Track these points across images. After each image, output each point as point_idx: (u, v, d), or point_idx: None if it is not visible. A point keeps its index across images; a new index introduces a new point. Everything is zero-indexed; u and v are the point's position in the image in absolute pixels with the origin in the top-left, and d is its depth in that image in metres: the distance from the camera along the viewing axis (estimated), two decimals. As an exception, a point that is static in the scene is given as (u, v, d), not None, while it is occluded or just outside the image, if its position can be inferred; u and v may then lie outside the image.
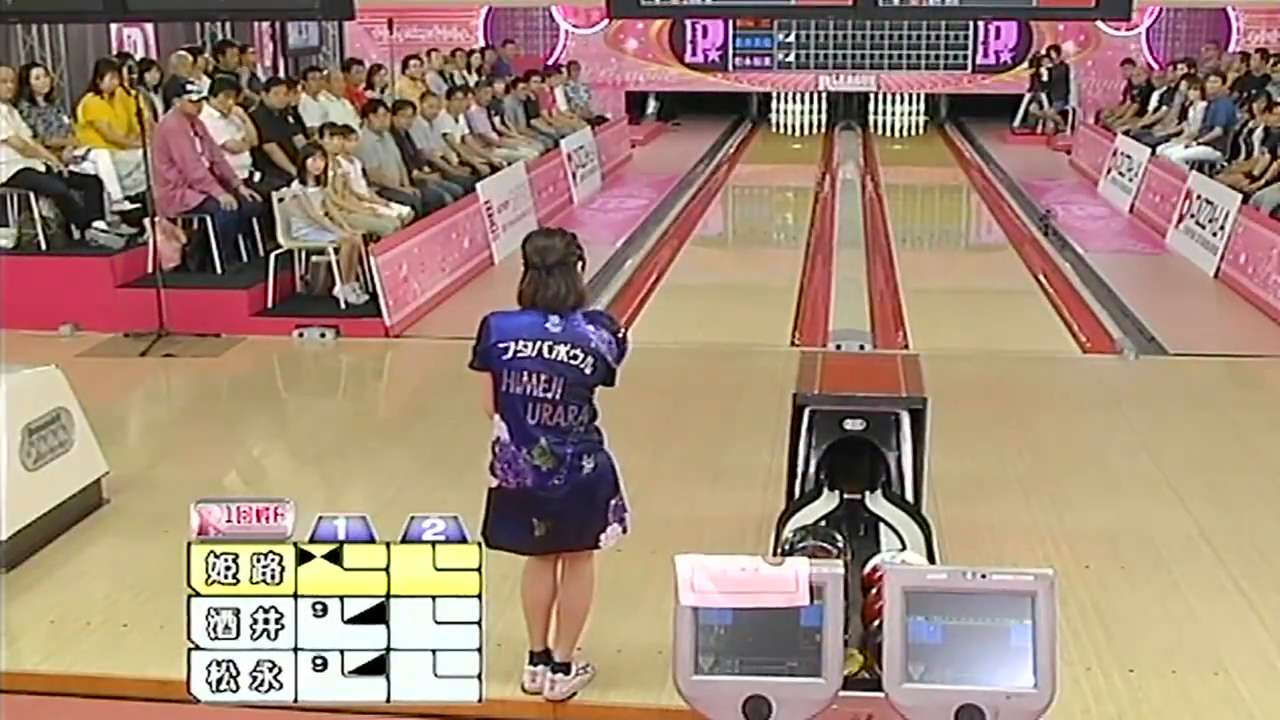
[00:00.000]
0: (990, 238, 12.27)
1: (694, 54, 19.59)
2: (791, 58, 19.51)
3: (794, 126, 19.76)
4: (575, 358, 3.57)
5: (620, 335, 3.67)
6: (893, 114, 19.73)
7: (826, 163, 16.18)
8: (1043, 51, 18.34)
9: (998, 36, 19.25)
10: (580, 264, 3.68)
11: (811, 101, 19.85)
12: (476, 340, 3.71)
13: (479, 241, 10.10)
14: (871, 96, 19.79)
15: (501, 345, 3.63)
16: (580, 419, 3.63)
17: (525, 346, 3.60)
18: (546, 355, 3.58)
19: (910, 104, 19.70)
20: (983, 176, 15.28)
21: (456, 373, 7.34)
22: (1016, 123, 18.14)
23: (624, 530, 3.77)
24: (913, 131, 19.50)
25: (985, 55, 19.36)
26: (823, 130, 19.33)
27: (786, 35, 19.40)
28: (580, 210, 13.06)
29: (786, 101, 19.89)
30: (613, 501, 3.73)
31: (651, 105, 19.96)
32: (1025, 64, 18.75)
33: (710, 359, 7.58)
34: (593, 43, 19.35)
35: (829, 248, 10.83)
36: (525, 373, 3.59)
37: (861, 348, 7.69)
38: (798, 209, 13.68)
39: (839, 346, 7.69)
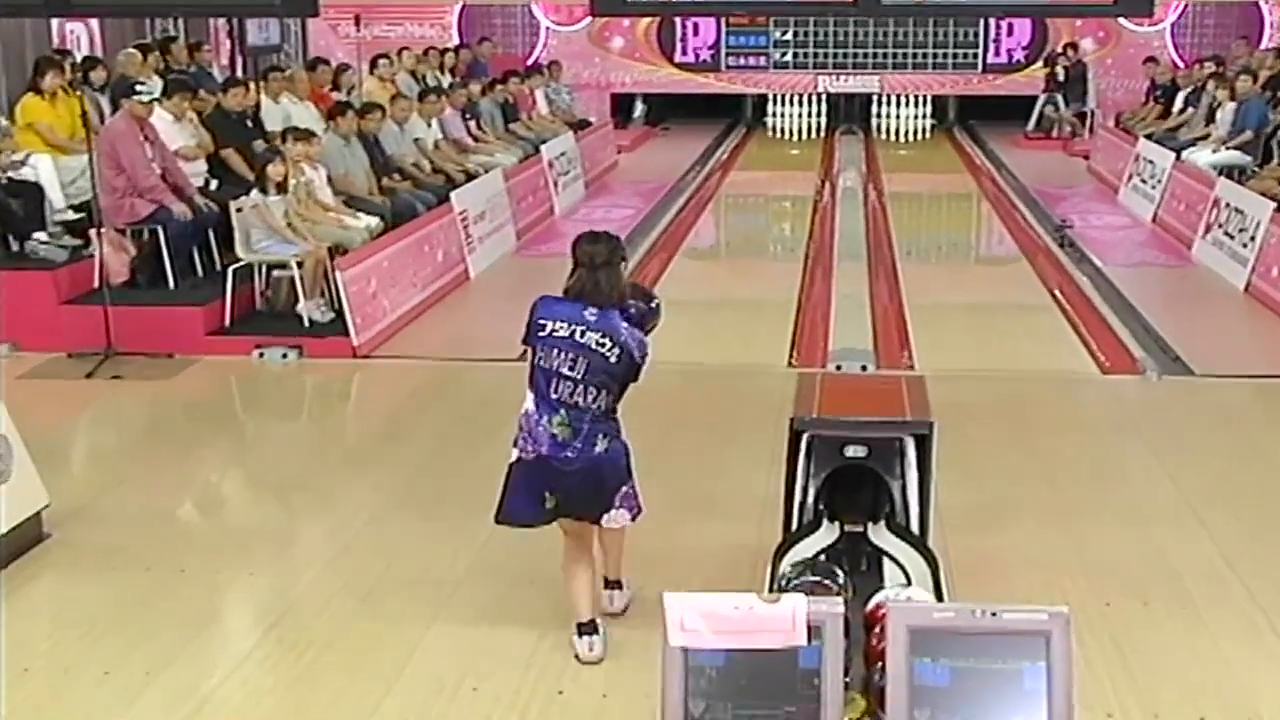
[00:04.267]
0: (1002, 250, 12.35)
1: (684, 53, 19.73)
2: (789, 57, 19.67)
3: (791, 131, 19.89)
4: (603, 345, 4.18)
5: (650, 315, 4.34)
6: (897, 117, 19.87)
7: (826, 170, 16.27)
8: (1058, 49, 18.45)
9: (1010, 34, 19.38)
10: (623, 263, 4.33)
11: (810, 104, 19.98)
12: (528, 318, 4.32)
13: (453, 255, 10.13)
14: (875, 98, 19.91)
15: (541, 323, 4.25)
16: (598, 402, 4.21)
17: (561, 327, 4.21)
18: (578, 339, 4.19)
19: (916, 106, 19.85)
20: (994, 184, 15.39)
21: (430, 396, 7.51)
22: (1030, 126, 18.25)
23: (631, 519, 4.38)
24: (919, 136, 19.63)
25: (997, 54, 19.50)
26: (822, 135, 19.45)
27: (784, 33, 19.55)
28: (562, 221, 13.11)
29: (783, 104, 20.03)
30: (624, 488, 4.32)
31: (639, 108, 20.07)
32: (1040, 63, 18.86)
33: (702, 380, 7.60)
34: (575, 41, 19.46)
35: (829, 261, 10.88)
36: (556, 350, 4.20)
37: (863, 368, 7.74)
38: (795, 219, 13.73)
39: (839, 367, 7.74)
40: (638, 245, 11.54)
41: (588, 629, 4.38)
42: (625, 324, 4.24)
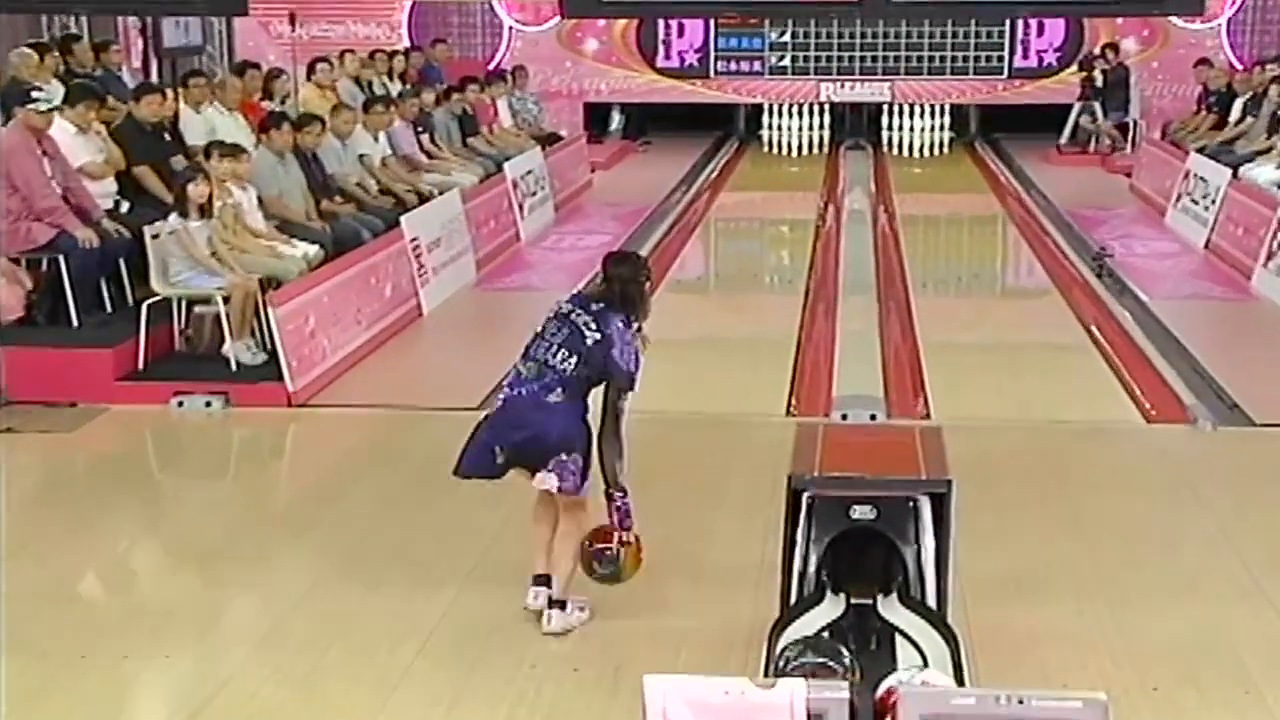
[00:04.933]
0: (1031, 281, 12.51)
1: (667, 57, 19.94)
2: (787, 61, 19.89)
3: (790, 145, 20.07)
4: (588, 328, 5.10)
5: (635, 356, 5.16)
6: (911, 129, 20.05)
7: (830, 190, 16.43)
8: (1096, 51, 18.63)
9: (1040, 34, 19.63)
10: (648, 282, 5.35)
11: (811, 115, 20.16)
12: None
13: (404, 288, 10.19)
14: (885, 109, 20.10)
15: (557, 303, 5.25)
16: (565, 364, 5.08)
17: (564, 306, 5.22)
18: (571, 317, 5.15)
19: (933, 117, 20.06)
20: (1022, 206, 15.54)
21: (377, 450, 7.53)
22: (1064, 139, 18.45)
23: (558, 488, 5.09)
24: (936, 151, 19.82)
25: (1025, 56, 19.74)
26: (825, 150, 19.61)
27: (781, 34, 19.77)
28: (529, 249, 13.21)
29: (781, 115, 20.24)
30: (563, 455, 5.07)
31: (616, 120, 20.24)
32: (1074, 67, 19.06)
33: (688, 431, 7.60)
34: (543, 43, 19.65)
35: (833, 294, 11.00)
36: (552, 319, 5.20)
37: (873, 417, 7.77)
38: (795, 247, 13.84)
39: (845, 416, 7.79)
40: None
41: (538, 580, 5.27)
42: (627, 331, 5.13)
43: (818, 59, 19.78)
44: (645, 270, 5.40)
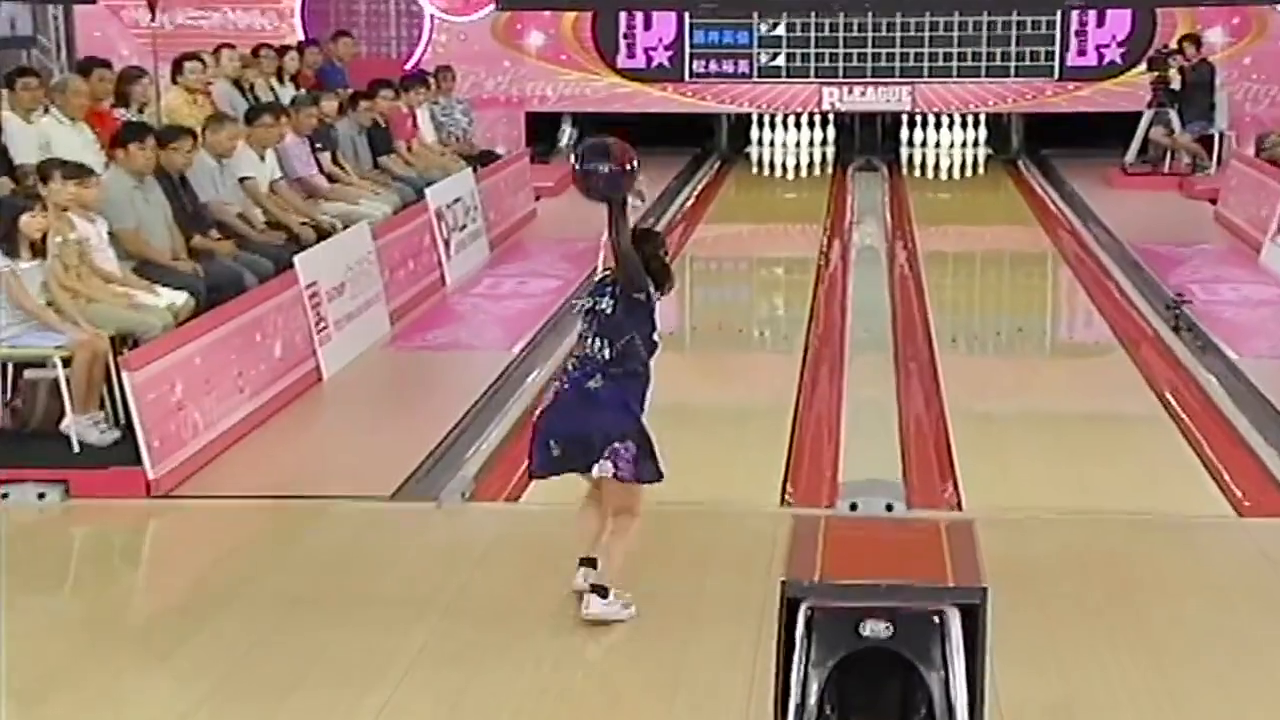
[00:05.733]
0: (1090, 336, 12.62)
1: (630, 56, 20.19)
2: (780, 61, 20.13)
3: (785, 165, 20.25)
4: (608, 307, 6.36)
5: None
6: (937, 145, 20.27)
7: (835, 221, 16.63)
8: (1172, 45, 18.79)
9: (1101, 24, 19.95)
10: (666, 255, 6.73)
11: (812, 128, 20.34)
12: None
13: (298, 346, 10.24)
14: (904, 119, 20.28)
15: (589, 296, 6.55)
16: (602, 352, 6.36)
17: (584, 301, 6.57)
18: (595, 308, 6.41)
19: (964, 130, 20.27)
20: (1077, 241, 15.72)
21: (263, 552, 7.47)
22: (1131, 156, 18.65)
23: (614, 475, 6.34)
24: (968, 172, 20.01)
25: (1081, 53, 20.05)
26: (829, 171, 19.75)
27: (773, 27, 20.06)
28: (458, 297, 13.33)
29: (774, 128, 20.42)
30: (616, 444, 6.30)
31: (567, 134, 20.46)
32: (1144, 66, 19.22)
33: (660, 525, 7.40)
34: (475, 38, 19.87)
35: (838, 353, 11.13)
36: (586, 314, 6.48)
37: (889, 508, 7.81)
38: (791, 293, 14.07)
39: (854, 506, 7.83)
40: (566, 333, 11.35)
41: (584, 562, 6.56)
42: (653, 300, 6.45)
43: (819, 58, 20.02)
44: (664, 245, 6.79)
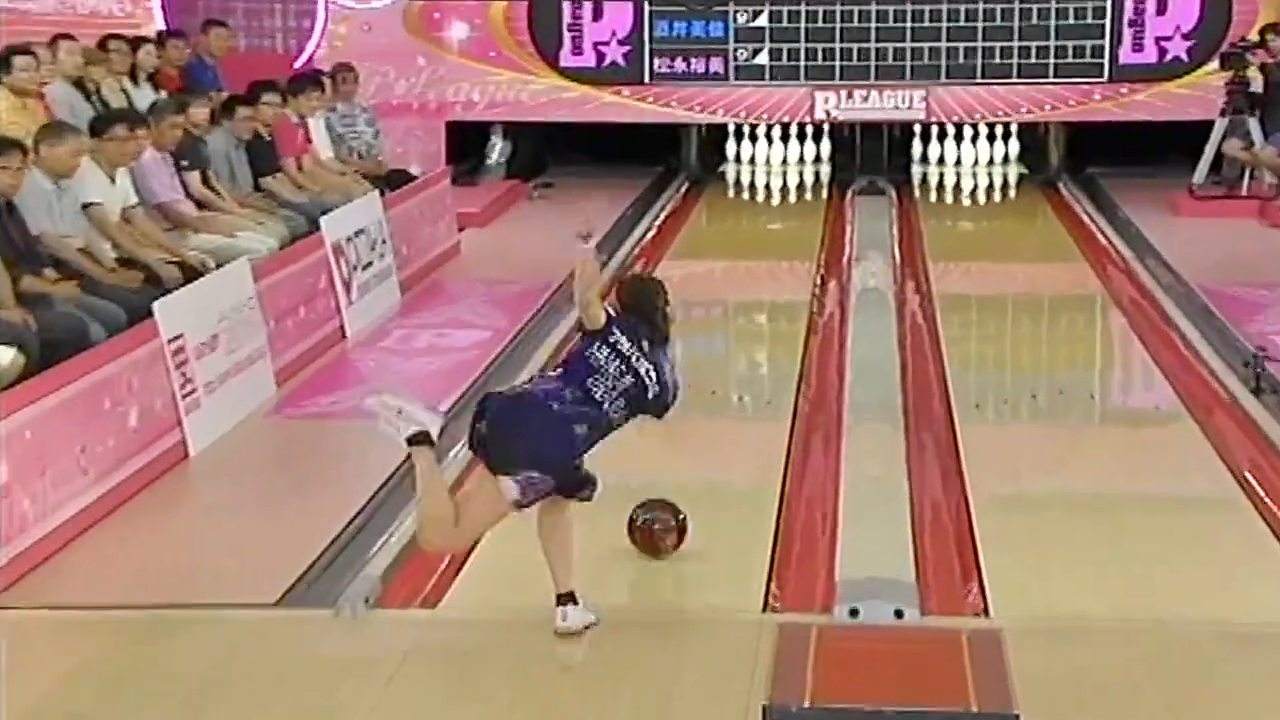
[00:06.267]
0: (1148, 399, 12.59)
1: (577, 52, 20.21)
2: (763, 59, 20.15)
3: (770, 188, 20.31)
4: (649, 377, 7.43)
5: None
6: (958, 163, 20.41)
7: (832, 257, 16.68)
8: (1251, 37, 18.83)
9: (1161, 11, 20.06)
10: (669, 308, 7.67)
11: (803, 141, 20.42)
12: (606, 313, 7.52)
13: (159, 414, 10.17)
14: (918, 131, 20.46)
15: (610, 330, 7.43)
16: (614, 414, 7.44)
17: (624, 345, 7.40)
18: (634, 360, 7.40)
19: (991, 144, 20.39)
20: (1133, 281, 15.83)
21: (114, 674, 7.28)
22: (1200, 175, 18.74)
23: (515, 501, 7.26)
24: (997, 195, 20.11)
25: (1136, 48, 20.18)
26: (825, 194, 19.80)
27: (753, 16, 20.11)
28: (361, 352, 13.31)
29: (755, 141, 20.48)
30: (538, 471, 7.24)
31: (497, 149, 20.58)
32: (1215, 64, 19.27)
33: (616, 634, 7.56)
34: (382, 29, 19.93)
35: (835, 420, 11.17)
36: (615, 359, 7.39)
37: (898, 614, 7.78)
38: (777, 347, 14.07)
39: (854, 612, 7.80)
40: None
41: (562, 599, 7.43)
42: (670, 364, 7.55)
43: (811, 55, 20.11)
44: (665, 292, 7.73)
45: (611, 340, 7.42)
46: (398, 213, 15.50)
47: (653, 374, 7.44)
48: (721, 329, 15.48)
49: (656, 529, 8.45)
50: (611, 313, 7.56)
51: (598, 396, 7.38)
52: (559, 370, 7.63)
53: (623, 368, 7.39)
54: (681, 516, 8.48)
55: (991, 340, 14.69)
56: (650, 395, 7.48)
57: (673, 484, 9.79)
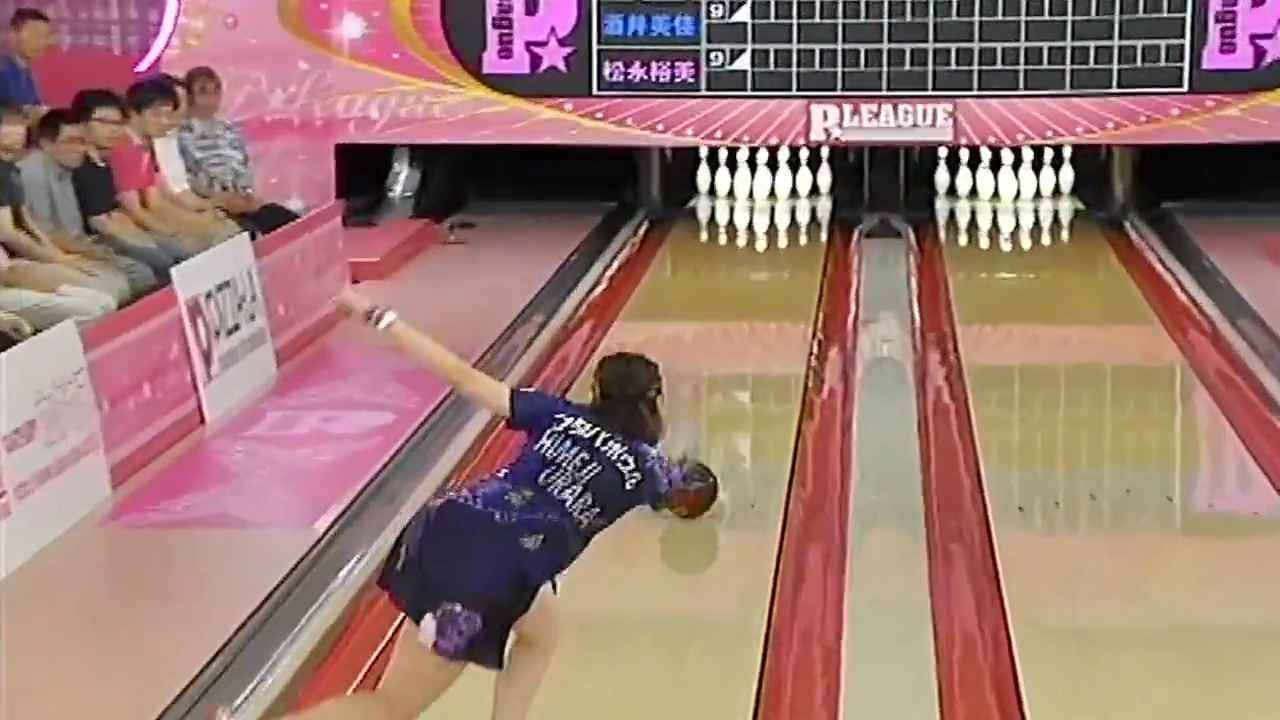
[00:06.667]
0: (1244, 501, 12.64)
1: (505, 55, 20.33)
2: (744, 63, 20.24)
3: (754, 229, 20.59)
4: (625, 464, 7.28)
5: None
6: (995, 197, 20.63)
7: (833, 318, 16.82)
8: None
9: (1258, 2, 20.12)
10: (660, 398, 7.57)
11: (796, 170, 20.54)
12: (532, 402, 7.60)
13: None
14: (944, 156, 20.74)
15: (560, 417, 7.39)
16: (584, 515, 7.22)
17: (583, 427, 7.33)
18: (599, 445, 7.28)
19: (1038, 173, 20.58)
20: (1220, 347, 15.94)
21: None
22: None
23: (434, 642, 6.98)
24: (1045, 237, 20.35)
25: (1225, 49, 20.25)
26: (824, 237, 19.98)
27: (731, 11, 20.14)
28: (224, 442, 13.27)
29: (735, 170, 20.64)
30: (462, 608, 6.99)
31: (402, 180, 20.87)
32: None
33: None
34: (251, 24, 19.95)
35: (837, 530, 11.25)
36: (571, 445, 7.29)
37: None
38: (763, 433, 14.26)
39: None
40: (405, 502, 11.51)
41: None
42: (656, 454, 7.41)
43: (805, 59, 20.19)
44: (659, 381, 7.57)
45: (563, 425, 7.33)
46: (273, 261, 15.50)
47: (629, 459, 7.26)
48: (691, 411, 15.10)
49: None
50: (525, 389, 7.76)
51: (557, 495, 7.20)
52: (505, 471, 7.42)
53: (585, 456, 7.26)
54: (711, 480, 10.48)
55: (1038, 425, 14.80)
56: (629, 486, 7.29)
57: (636, 613, 10.13)
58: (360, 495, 11.75)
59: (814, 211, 20.52)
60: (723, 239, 20.49)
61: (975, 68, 20.11)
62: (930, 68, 20.09)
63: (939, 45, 20.05)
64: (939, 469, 12.44)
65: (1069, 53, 20.07)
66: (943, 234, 20.20)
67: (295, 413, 14.01)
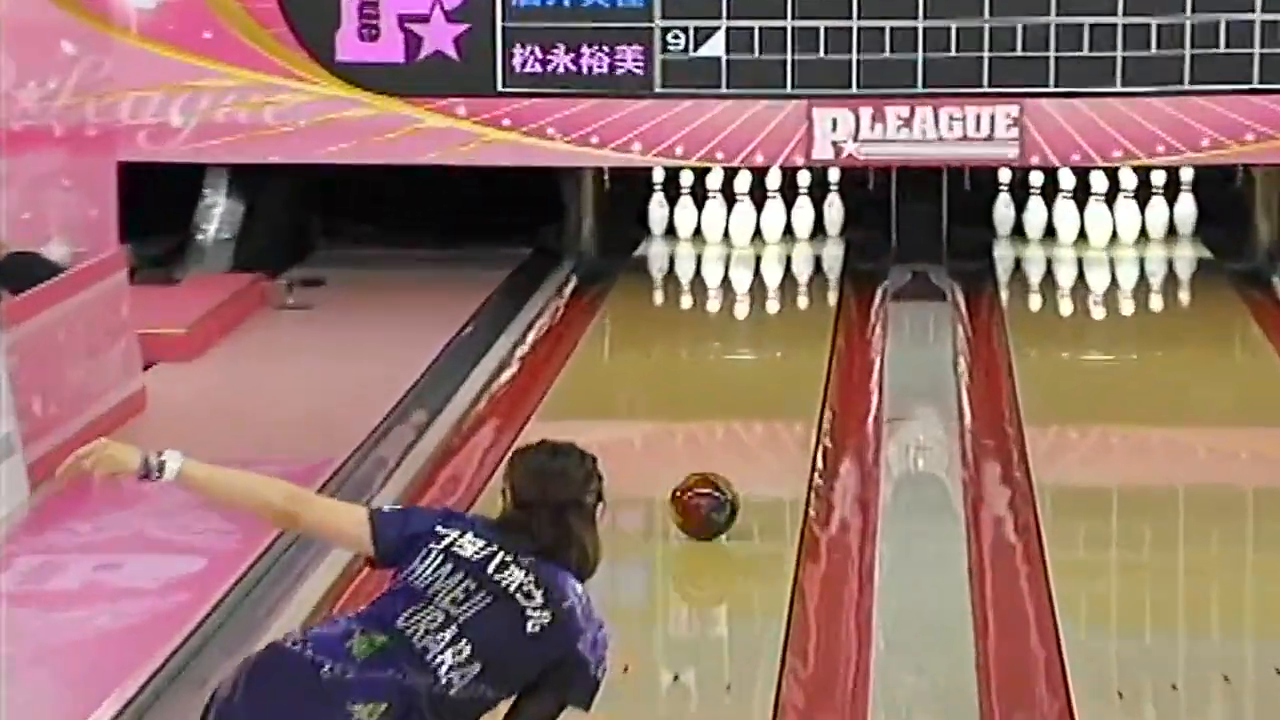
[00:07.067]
0: None
1: (368, 37, 20.20)
2: (717, 46, 20.03)
3: (732, 285, 20.72)
4: (528, 596, 7.04)
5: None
6: (1080, 239, 20.69)
7: (845, 413, 16.54)
8: None
9: None
10: (600, 506, 7.50)
11: (792, 203, 20.84)
12: (401, 520, 7.41)
13: None
14: (1005, 181, 20.87)
15: (439, 531, 7.21)
16: (458, 672, 6.88)
17: (470, 545, 7.15)
18: (489, 570, 7.07)
19: (1143, 206, 20.69)
20: None
21: None
22: None
23: None
24: (1154, 297, 20.46)
25: None
26: (834, 297, 20.13)
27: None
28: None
29: (703, 202, 20.89)
30: None
31: (218, 215, 20.68)
32: None
33: None
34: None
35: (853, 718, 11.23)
36: (449, 568, 7.07)
37: None
38: (746, 584, 14.23)
39: None
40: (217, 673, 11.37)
41: None
42: (579, 588, 7.11)
43: (805, 43, 19.90)
44: (597, 481, 7.45)
45: (444, 543, 7.11)
46: (25, 335, 15.14)
47: (533, 592, 6.99)
48: (641, 551, 14.89)
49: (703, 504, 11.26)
50: (392, 507, 7.77)
51: (418, 643, 6.88)
52: (365, 607, 7.26)
53: (470, 585, 6.97)
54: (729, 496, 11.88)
55: (1144, 572, 14.30)
56: (531, 629, 7.01)
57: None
58: (152, 679, 11.49)
59: (818, 262, 20.78)
60: (685, 301, 20.67)
61: (1051, 54, 19.83)
62: (985, 54, 19.79)
63: (996, 24, 19.75)
64: (999, 639, 12.29)
65: (1189, 31, 19.76)
66: (1004, 294, 20.23)
67: (56, 558, 13.69)
